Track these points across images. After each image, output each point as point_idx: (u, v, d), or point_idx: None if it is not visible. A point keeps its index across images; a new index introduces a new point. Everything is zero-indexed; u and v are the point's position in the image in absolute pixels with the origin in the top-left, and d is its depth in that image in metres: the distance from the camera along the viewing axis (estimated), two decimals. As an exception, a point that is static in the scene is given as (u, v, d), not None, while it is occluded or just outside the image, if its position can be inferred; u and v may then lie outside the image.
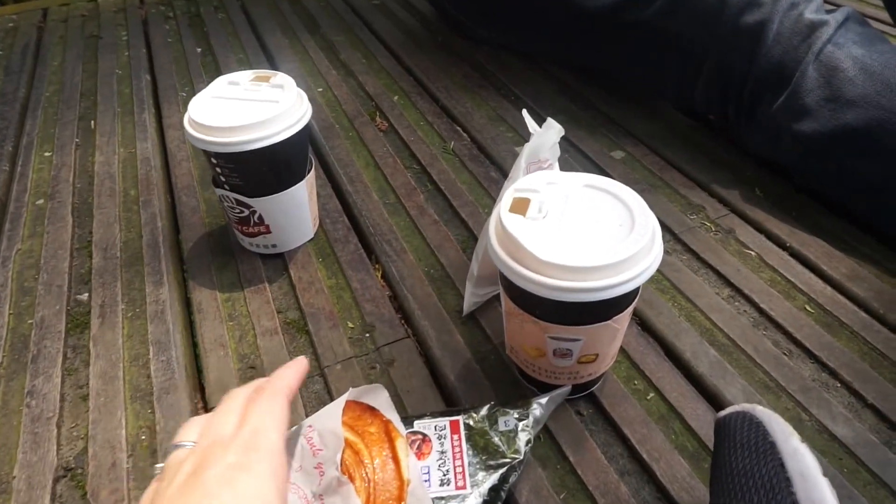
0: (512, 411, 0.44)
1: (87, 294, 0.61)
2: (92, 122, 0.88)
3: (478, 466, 0.41)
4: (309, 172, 0.62)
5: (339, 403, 0.37)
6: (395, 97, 0.91)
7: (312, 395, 0.51)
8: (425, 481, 0.40)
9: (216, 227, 0.69)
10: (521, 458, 0.42)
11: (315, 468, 0.35)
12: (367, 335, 0.56)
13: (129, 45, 1.09)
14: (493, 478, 0.41)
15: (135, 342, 0.56)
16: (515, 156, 0.51)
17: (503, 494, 0.41)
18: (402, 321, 0.58)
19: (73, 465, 0.47)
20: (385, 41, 1.07)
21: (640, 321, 0.56)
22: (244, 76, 0.60)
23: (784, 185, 0.70)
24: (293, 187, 0.60)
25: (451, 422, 0.43)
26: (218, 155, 0.56)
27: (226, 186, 0.59)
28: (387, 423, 0.38)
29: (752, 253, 0.62)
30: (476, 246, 0.56)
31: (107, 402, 0.51)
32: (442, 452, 0.42)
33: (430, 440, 0.42)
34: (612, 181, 0.45)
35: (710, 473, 0.37)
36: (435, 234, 0.66)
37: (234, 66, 1.00)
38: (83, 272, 0.64)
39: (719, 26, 0.71)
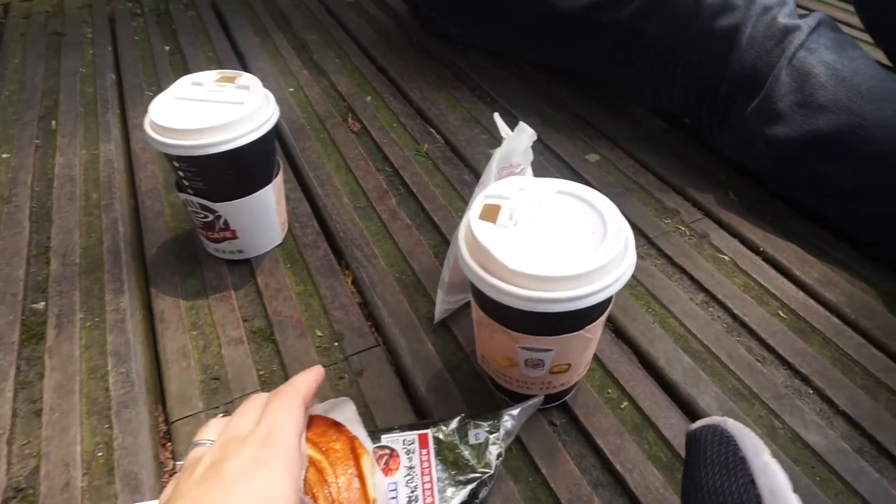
0: (483, 423, 0.43)
1: (43, 303, 0.59)
2: (53, 122, 0.85)
3: (447, 482, 0.40)
4: (277, 176, 0.60)
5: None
6: (368, 98, 0.89)
7: (278, 408, 0.49)
8: (392, 499, 0.39)
9: (181, 232, 0.67)
10: (492, 472, 0.41)
11: None
12: (336, 344, 0.55)
13: (95, 43, 1.05)
14: (463, 494, 0.39)
15: (93, 353, 0.54)
16: (490, 158, 0.50)
17: (473, 510, 0.40)
18: (373, 329, 0.56)
19: (23, 486, 0.45)
20: (358, 40, 1.05)
21: (614, 328, 0.56)
22: (208, 76, 0.58)
23: (757, 190, 0.70)
24: (259, 191, 0.58)
25: (419, 435, 0.42)
26: (180, 158, 0.54)
27: (189, 191, 0.57)
28: (352, 440, 0.36)
29: (726, 258, 0.62)
30: (447, 252, 0.55)
31: (61, 418, 0.49)
32: (410, 468, 0.40)
33: (397, 455, 0.41)
34: (585, 187, 0.44)
35: (681, 487, 0.36)
36: (407, 239, 0.65)
37: (203, 65, 0.97)
38: (40, 280, 0.61)
39: (693, 29, 0.70)
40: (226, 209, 0.57)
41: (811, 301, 0.58)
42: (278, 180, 0.61)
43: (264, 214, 0.60)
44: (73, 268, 0.62)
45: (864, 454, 0.46)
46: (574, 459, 0.46)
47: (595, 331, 0.43)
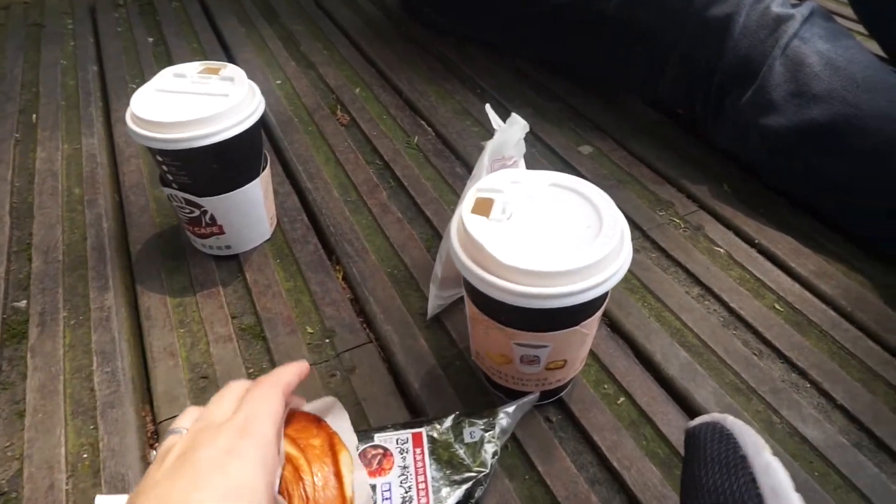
0: (478, 421, 0.43)
1: (25, 301, 0.57)
2: (34, 115, 0.83)
3: (442, 482, 0.39)
4: (264, 170, 0.59)
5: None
6: (357, 90, 0.88)
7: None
8: (386, 500, 0.38)
9: (167, 227, 0.65)
10: (488, 471, 0.40)
11: None
12: (328, 341, 0.53)
13: (76, 35, 1.03)
14: (458, 493, 0.39)
15: (77, 352, 0.53)
16: (481, 150, 0.49)
17: (469, 510, 0.39)
18: (364, 325, 0.55)
19: (5, 489, 0.44)
20: (347, 31, 1.03)
21: (610, 322, 0.55)
22: (191, 68, 0.57)
23: (752, 181, 0.70)
24: (246, 185, 0.57)
25: (413, 434, 0.41)
26: (163, 152, 0.52)
27: (174, 185, 0.55)
28: (332, 436, 0.35)
29: (721, 250, 0.62)
30: (440, 246, 0.54)
31: (45, 419, 0.48)
32: (404, 468, 0.39)
33: (391, 455, 0.40)
34: (580, 179, 0.43)
35: (680, 486, 0.35)
36: (398, 233, 0.64)
37: (187, 56, 0.95)
38: (21, 277, 0.60)
39: (686, 19, 0.69)
40: (212, 204, 0.56)
41: (807, 293, 0.57)
42: (266, 174, 0.59)
43: (252, 209, 0.59)
44: (55, 265, 0.61)
45: (862, 448, 0.45)
46: (570, 456, 0.45)
47: (591, 326, 0.42)
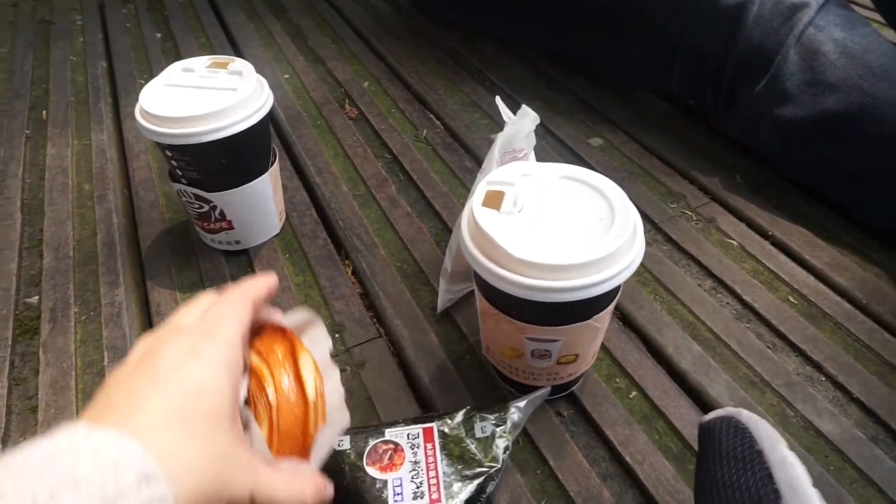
0: (489, 416, 0.42)
1: (36, 297, 0.58)
2: (44, 112, 0.83)
3: (453, 477, 0.39)
4: (273, 164, 0.58)
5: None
6: (366, 83, 0.87)
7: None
8: (397, 495, 0.38)
9: (176, 222, 0.65)
10: (499, 465, 0.40)
11: None
12: (337, 335, 0.53)
13: (85, 31, 1.03)
14: (470, 488, 0.38)
15: (88, 348, 0.53)
16: (490, 143, 0.48)
17: (480, 505, 0.39)
18: (374, 320, 0.55)
19: (19, 484, 0.44)
20: (355, 26, 1.03)
21: (622, 316, 0.54)
22: (200, 62, 0.57)
23: (765, 173, 0.69)
24: (255, 180, 0.56)
25: (424, 429, 0.41)
26: (172, 147, 0.52)
27: (183, 181, 0.55)
28: (293, 341, 0.34)
29: (734, 242, 0.61)
30: (449, 240, 0.53)
31: (57, 414, 0.48)
32: (415, 463, 0.39)
33: (402, 450, 0.40)
34: (591, 172, 0.42)
35: (694, 481, 0.35)
36: (407, 228, 0.63)
37: (195, 51, 0.95)
38: (33, 273, 0.60)
39: (697, 9, 0.68)
40: (221, 199, 0.56)
41: (821, 286, 0.56)
42: (274, 169, 0.59)
43: (261, 204, 0.59)
44: (66, 261, 0.61)
45: (878, 442, 0.45)
46: (582, 451, 0.45)
47: (603, 320, 0.42)
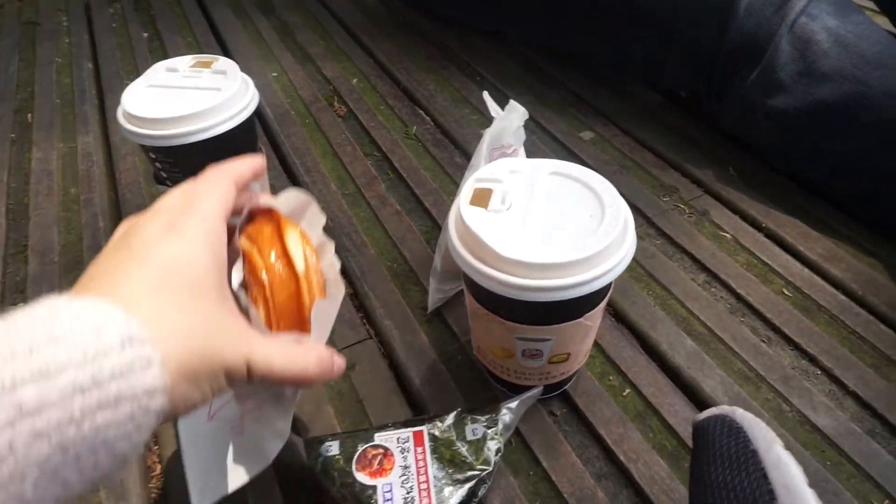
0: (480, 418, 0.42)
1: (22, 304, 0.57)
2: (29, 115, 0.82)
3: (444, 481, 0.38)
4: (259, 165, 0.57)
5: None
6: (354, 80, 0.86)
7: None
8: (387, 501, 0.37)
9: (163, 225, 0.64)
10: (491, 469, 0.39)
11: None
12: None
13: (70, 32, 1.02)
14: (461, 493, 0.38)
15: (75, 354, 0.52)
16: (481, 139, 0.48)
17: (472, 509, 0.38)
18: (364, 320, 0.54)
19: (4, 495, 0.43)
20: (343, 21, 1.02)
21: (614, 312, 0.54)
22: (183, 62, 0.56)
23: (758, 164, 0.68)
24: (242, 181, 0.55)
25: (414, 433, 0.40)
26: (156, 149, 0.51)
27: (168, 183, 0.54)
28: (279, 220, 0.34)
29: (728, 235, 0.60)
30: (439, 238, 0.53)
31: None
32: (405, 467, 0.39)
33: (392, 454, 0.39)
34: (580, 167, 0.41)
35: (688, 480, 0.34)
36: (397, 226, 0.63)
37: (183, 51, 0.94)
38: (18, 280, 0.59)
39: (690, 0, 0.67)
40: (207, 201, 0.55)
41: (816, 278, 0.56)
42: (261, 169, 0.58)
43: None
44: (52, 266, 0.60)
45: (875, 436, 0.44)
46: (576, 451, 0.44)
47: (595, 318, 0.41)
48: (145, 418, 0.22)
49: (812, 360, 0.49)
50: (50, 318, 0.22)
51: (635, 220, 0.61)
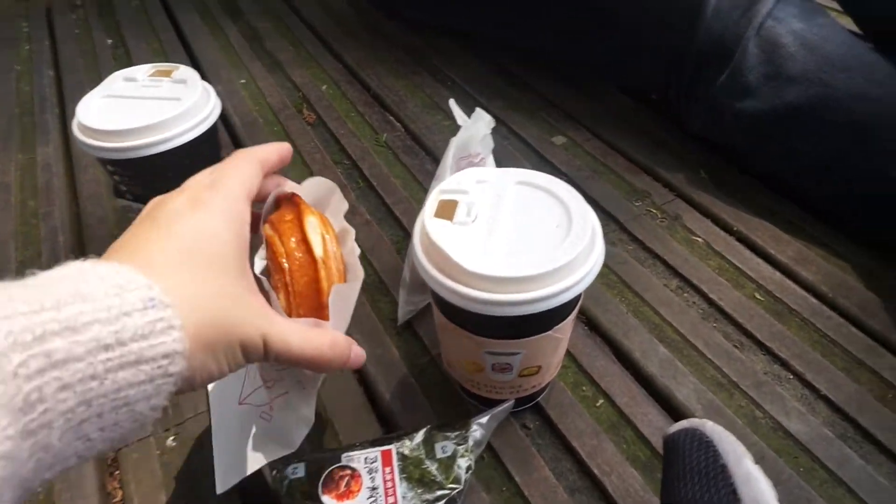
0: (450, 434, 0.41)
1: (-24, 324, 0.55)
2: (-14, 125, 0.80)
3: (413, 502, 0.37)
4: (223, 176, 0.56)
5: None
6: (324, 87, 0.85)
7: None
8: None
9: (126, 238, 0.62)
10: (461, 487, 0.38)
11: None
12: (296, 352, 0.51)
13: (31, 38, 0.99)
14: (431, 513, 0.37)
15: (32, 376, 0.50)
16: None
17: (443, 529, 0.37)
18: (334, 334, 0.53)
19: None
20: (314, 27, 1.00)
21: (587, 320, 0.53)
22: (141, 71, 0.54)
23: (729, 167, 0.68)
24: (205, 194, 0.54)
25: (382, 452, 0.39)
26: (113, 162, 0.50)
27: (128, 196, 0.53)
28: (300, 206, 0.35)
29: (700, 240, 0.60)
30: (408, 250, 0.52)
31: None
32: (373, 489, 0.37)
33: (359, 475, 0.38)
34: (548, 176, 0.41)
35: (660, 495, 0.34)
36: (367, 236, 0.61)
37: (148, 58, 0.92)
38: (-27, 298, 0.57)
39: (659, 2, 0.67)
40: (169, 214, 0.53)
41: (787, 281, 0.56)
42: (225, 180, 0.57)
43: (212, 217, 0.57)
44: (9, 284, 0.58)
45: (847, 440, 0.44)
46: (549, 465, 0.43)
47: (565, 330, 0.40)
48: (164, 381, 0.23)
49: (784, 364, 0.49)
50: (75, 277, 0.22)
51: (608, 225, 0.61)
